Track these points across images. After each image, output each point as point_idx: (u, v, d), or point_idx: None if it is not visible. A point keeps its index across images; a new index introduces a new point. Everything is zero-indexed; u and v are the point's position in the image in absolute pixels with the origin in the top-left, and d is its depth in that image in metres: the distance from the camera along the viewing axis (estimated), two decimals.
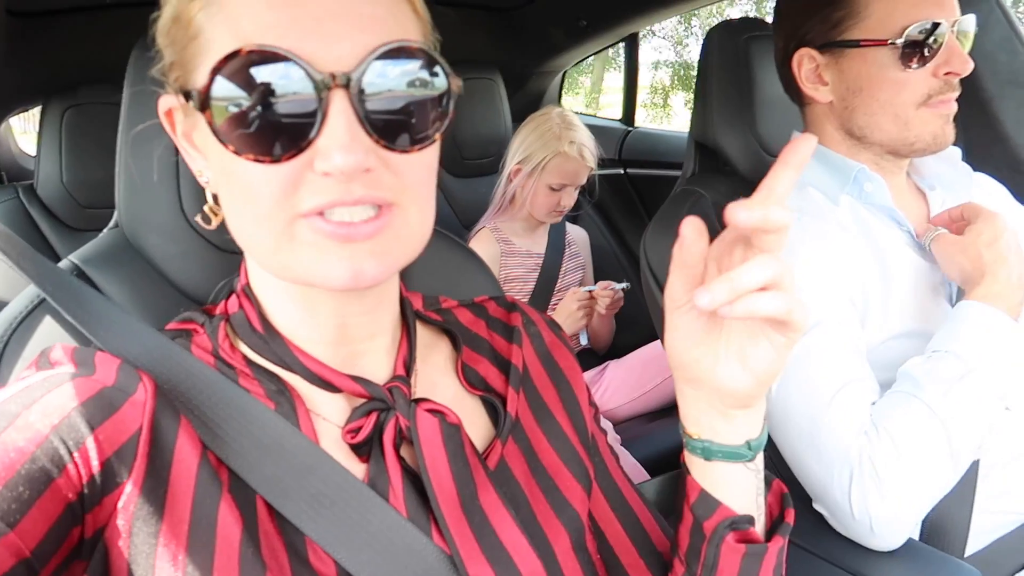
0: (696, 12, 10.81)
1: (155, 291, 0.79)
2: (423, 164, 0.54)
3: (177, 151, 0.73)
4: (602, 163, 2.61)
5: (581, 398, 0.74)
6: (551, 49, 2.66)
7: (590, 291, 1.99)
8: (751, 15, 1.40)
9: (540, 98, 2.88)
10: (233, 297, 0.64)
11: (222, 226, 0.60)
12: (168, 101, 0.58)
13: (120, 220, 0.80)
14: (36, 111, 2.08)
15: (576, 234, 2.27)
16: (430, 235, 0.58)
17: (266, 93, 0.48)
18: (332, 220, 0.50)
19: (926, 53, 1.01)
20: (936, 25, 1.00)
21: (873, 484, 0.91)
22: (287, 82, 0.48)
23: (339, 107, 0.49)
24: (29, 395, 0.50)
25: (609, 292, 1.98)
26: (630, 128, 2.67)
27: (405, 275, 0.89)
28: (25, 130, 4.37)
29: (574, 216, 2.56)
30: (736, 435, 0.62)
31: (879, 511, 0.91)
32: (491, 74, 2.54)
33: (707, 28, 1.44)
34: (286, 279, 0.56)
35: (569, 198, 2.04)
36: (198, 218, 0.65)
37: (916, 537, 1.00)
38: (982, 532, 1.05)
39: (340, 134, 0.48)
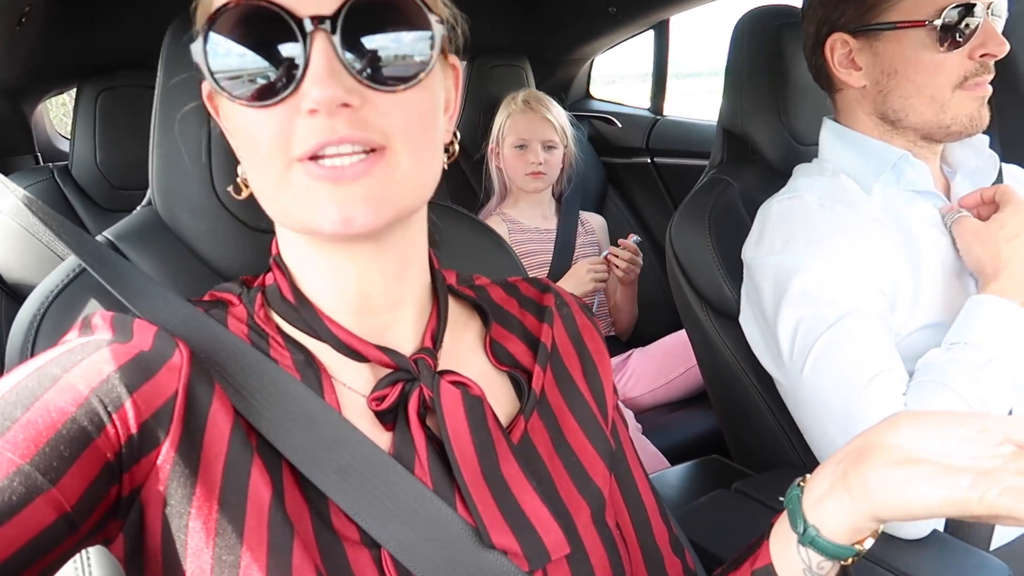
0: None
1: (186, 268, 0.80)
2: (414, 107, 0.56)
3: (210, 132, 0.75)
4: (629, 151, 2.62)
5: (606, 382, 0.74)
6: (580, 36, 2.64)
7: (605, 256, 2.02)
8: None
9: (568, 85, 2.86)
10: (270, 271, 0.66)
11: (252, 204, 0.61)
12: (209, 84, 0.60)
13: (153, 198, 0.82)
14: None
15: (592, 218, 2.30)
16: (429, 186, 0.60)
17: (255, 41, 0.53)
18: (324, 165, 0.52)
19: (962, 35, 1.00)
20: (972, 6, 0.99)
21: None
22: (272, 28, 0.52)
23: (319, 48, 0.51)
24: (70, 358, 0.51)
25: (629, 245, 1.99)
26: (658, 117, 2.65)
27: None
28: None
29: (599, 205, 2.56)
30: (851, 537, 0.56)
31: None
32: (520, 61, 2.54)
33: None
34: (287, 226, 0.59)
35: (535, 155, 2.08)
36: (229, 188, 0.68)
37: (941, 528, 0.99)
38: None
39: (319, 70, 0.51)
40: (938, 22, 0.99)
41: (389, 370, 0.61)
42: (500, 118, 2.15)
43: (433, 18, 0.55)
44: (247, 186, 0.63)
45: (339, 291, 0.61)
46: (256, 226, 0.78)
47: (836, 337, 0.97)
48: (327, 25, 0.51)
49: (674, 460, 1.70)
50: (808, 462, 1.16)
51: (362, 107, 0.53)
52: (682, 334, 1.99)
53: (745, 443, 1.33)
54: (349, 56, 0.52)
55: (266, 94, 0.52)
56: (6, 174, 2.08)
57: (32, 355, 0.71)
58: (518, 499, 0.60)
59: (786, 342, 1.03)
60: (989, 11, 1.00)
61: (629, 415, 1.85)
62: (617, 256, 1.98)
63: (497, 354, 0.70)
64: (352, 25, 0.52)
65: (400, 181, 0.55)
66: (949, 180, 1.16)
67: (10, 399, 0.47)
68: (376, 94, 0.53)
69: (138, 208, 0.85)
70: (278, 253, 0.65)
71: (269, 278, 0.65)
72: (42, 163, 2.38)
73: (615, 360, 2.13)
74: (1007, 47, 1.00)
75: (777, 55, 1.31)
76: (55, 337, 0.67)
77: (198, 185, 0.78)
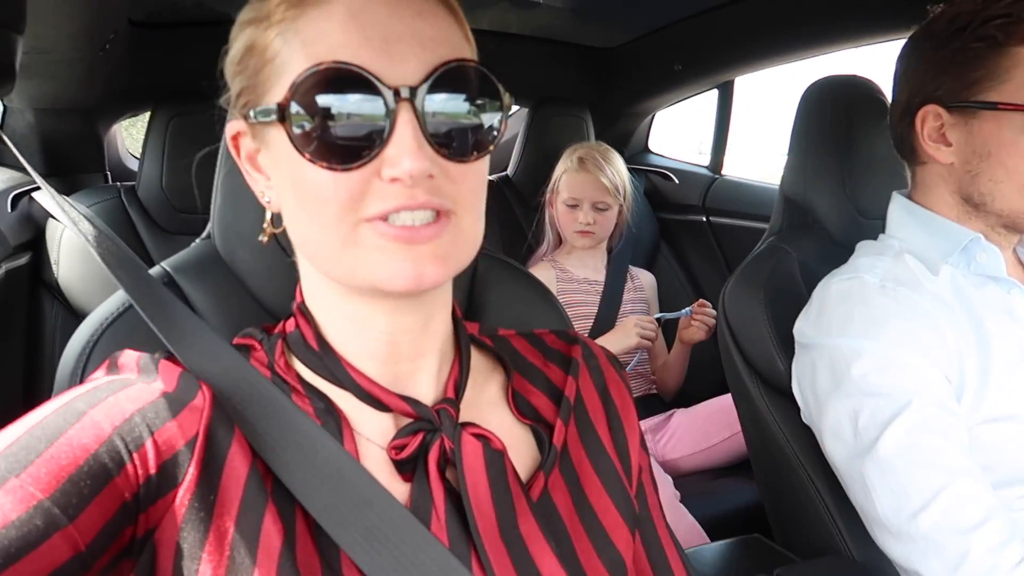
0: None
1: (239, 303, 0.81)
2: (477, 174, 0.59)
3: None
4: (684, 208, 2.61)
5: (631, 441, 0.72)
6: (643, 91, 2.66)
7: (659, 318, 2.03)
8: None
9: (628, 138, 2.87)
10: (291, 317, 0.66)
11: None
12: (236, 126, 0.63)
13: (213, 232, 0.83)
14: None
15: (642, 275, 2.29)
16: (480, 242, 0.61)
17: (340, 105, 0.53)
18: (395, 224, 0.54)
19: None
20: None
21: None
22: (360, 95, 0.53)
23: (405, 118, 0.53)
24: (95, 396, 0.52)
25: (708, 312, 1.98)
26: (717, 176, 2.63)
27: (479, 307, 0.90)
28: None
29: (651, 260, 2.54)
30: None
31: None
32: (581, 112, 2.55)
33: None
34: (351, 284, 0.58)
35: (585, 215, 2.09)
36: (262, 238, 0.69)
37: None
38: None
39: (408, 143, 0.53)
40: None
41: (410, 420, 0.61)
42: (558, 170, 2.17)
43: (504, 93, 0.58)
44: (273, 231, 0.66)
45: (367, 340, 0.62)
46: None
47: (903, 425, 0.93)
48: (412, 95, 0.53)
49: (712, 532, 1.65)
50: (856, 551, 1.10)
51: (438, 175, 0.55)
52: (728, 398, 1.94)
53: (789, 524, 1.28)
54: (431, 127, 0.54)
55: (348, 158, 0.53)
56: (77, 190, 2.16)
57: (82, 382, 0.72)
58: (535, 560, 0.58)
59: (847, 429, 0.99)
60: None
61: (667, 480, 1.80)
62: (704, 313, 1.98)
63: (519, 407, 0.69)
64: (435, 96, 0.54)
65: (463, 242, 0.58)
66: None
67: (35, 433, 0.48)
68: (450, 163, 0.55)
69: (197, 240, 0.86)
70: (302, 301, 0.65)
71: (290, 325, 0.66)
72: (111, 181, 2.46)
73: (656, 419, 2.09)
74: None
75: (845, 126, 1.29)
76: None
77: (257, 222, 0.79)
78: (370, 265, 0.55)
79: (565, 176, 2.12)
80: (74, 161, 2.29)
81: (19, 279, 1.87)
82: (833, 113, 1.31)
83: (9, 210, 1.86)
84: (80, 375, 0.73)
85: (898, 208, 1.14)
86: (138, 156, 2.30)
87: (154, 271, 0.81)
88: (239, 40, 0.60)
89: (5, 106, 2.08)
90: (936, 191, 1.09)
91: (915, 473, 0.93)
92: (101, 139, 2.43)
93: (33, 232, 1.94)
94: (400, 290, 0.55)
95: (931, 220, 1.08)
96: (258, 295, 0.81)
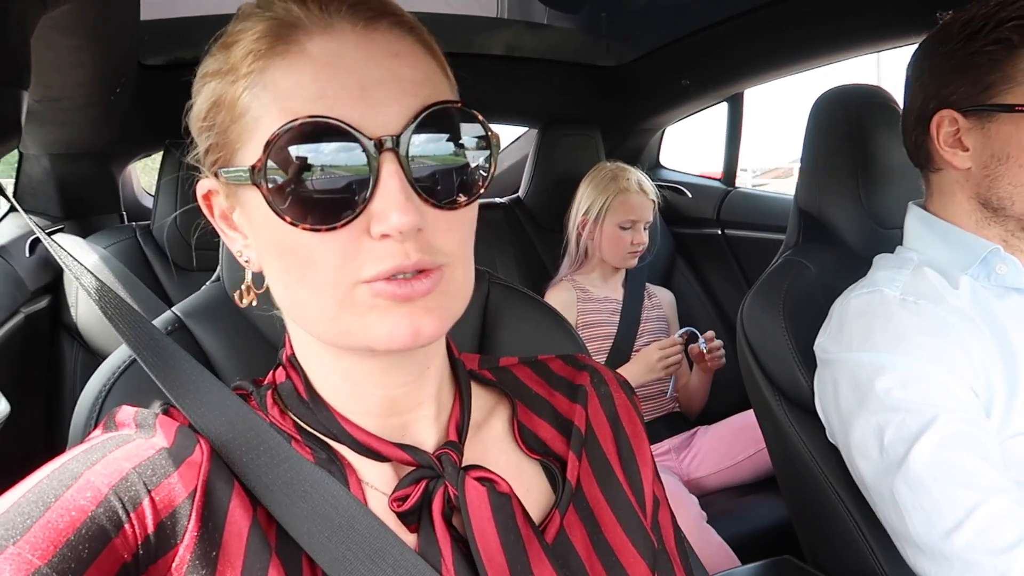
0: None
1: (250, 346, 0.81)
2: (468, 223, 0.56)
3: None
4: (699, 222, 2.59)
5: (644, 469, 0.70)
6: (653, 107, 2.65)
7: (683, 334, 2.00)
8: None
9: (639, 154, 2.86)
10: (280, 368, 0.64)
11: None
12: (206, 184, 0.60)
13: (223, 275, 0.83)
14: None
15: (660, 292, 2.28)
16: (472, 289, 0.59)
17: (320, 162, 0.50)
18: (393, 284, 0.51)
19: None
20: None
21: None
22: (339, 149, 0.50)
23: (390, 169, 0.50)
24: (91, 455, 0.51)
25: (715, 346, 1.99)
26: (730, 188, 2.61)
27: (492, 339, 0.89)
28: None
29: (667, 275, 2.53)
30: None
31: None
32: (590, 130, 2.55)
33: None
34: (344, 345, 0.56)
35: (640, 235, 2.10)
36: (236, 295, 0.66)
37: None
38: None
39: (395, 195, 0.50)
40: None
41: (412, 467, 0.59)
42: (602, 195, 2.12)
43: (491, 133, 0.55)
44: (249, 293, 0.64)
45: (362, 396, 0.60)
46: None
47: (931, 441, 0.91)
48: (394, 144, 0.50)
49: (740, 551, 1.61)
50: (891, 572, 1.07)
51: (426, 227, 0.52)
52: (750, 414, 1.91)
53: (821, 545, 1.24)
54: (417, 177, 0.51)
55: (332, 218, 0.51)
56: (94, 231, 2.19)
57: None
58: None
59: (873, 446, 0.97)
60: None
61: (692, 501, 1.77)
62: (712, 350, 1.99)
63: (527, 441, 0.67)
64: (419, 142, 0.51)
65: (456, 293, 0.56)
66: None
67: (31, 498, 0.47)
68: (438, 212, 0.53)
69: (207, 283, 0.86)
70: (292, 354, 0.63)
71: (280, 375, 0.64)
72: (127, 220, 2.49)
73: (679, 438, 2.06)
74: None
75: (857, 136, 1.28)
76: None
77: None
78: (366, 326, 0.53)
79: (619, 199, 2.10)
80: (90, 203, 2.32)
81: (39, 322, 1.88)
82: (845, 124, 1.30)
83: (28, 255, 1.88)
84: (94, 423, 0.73)
85: (914, 219, 1.12)
86: (152, 194, 2.33)
87: (165, 316, 0.81)
88: (203, 94, 0.57)
89: (21, 152, 2.11)
90: (953, 198, 1.07)
91: (947, 491, 0.90)
92: (116, 180, 2.46)
93: (52, 275, 1.95)
94: (398, 348, 0.53)
95: (948, 231, 1.07)
96: (269, 336, 0.81)
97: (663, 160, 2.98)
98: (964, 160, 1.03)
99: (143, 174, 2.92)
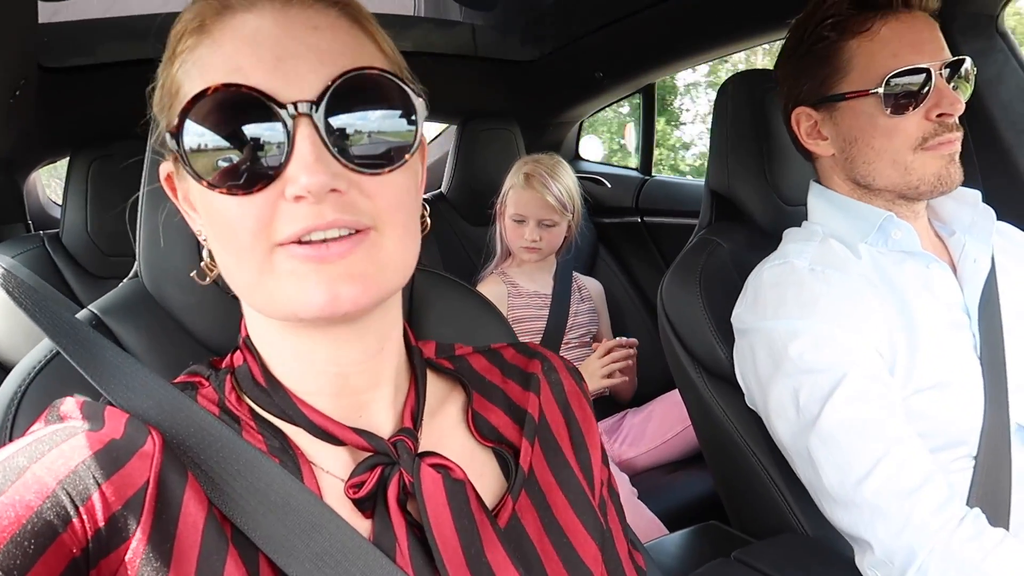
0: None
1: (173, 341, 0.79)
2: (399, 187, 0.56)
3: None
4: (619, 211, 2.65)
5: (594, 454, 0.72)
6: (568, 100, 2.69)
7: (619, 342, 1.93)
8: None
9: (557, 147, 2.90)
10: (237, 350, 0.64)
11: None
12: (167, 167, 0.61)
13: (140, 271, 0.81)
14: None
15: (589, 284, 2.29)
16: (412, 265, 0.59)
17: (235, 128, 0.52)
18: (308, 245, 0.52)
19: (913, 98, 1.02)
20: (919, 70, 1.02)
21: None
22: (254, 115, 0.51)
23: (304, 134, 0.51)
24: (37, 448, 0.50)
25: (624, 343, 1.92)
26: (647, 177, 2.68)
27: (419, 324, 0.90)
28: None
29: (591, 265, 2.57)
30: None
31: None
32: (509, 125, 2.57)
33: None
34: (272, 314, 0.56)
35: (532, 232, 2.05)
36: (193, 274, 0.66)
37: None
38: None
39: (306, 158, 0.51)
40: (882, 90, 1.03)
41: (367, 453, 0.59)
42: (506, 185, 2.12)
43: (415, 98, 0.56)
44: (211, 270, 0.63)
45: (315, 374, 0.60)
46: None
47: (841, 398, 0.97)
48: (311, 110, 0.51)
49: (671, 524, 1.67)
50: (808, 527, 1.13)
51: (348, 190, 0.52)
52: (676, 394, 1.97)
53: (744, 508, 1.30)
54: (334, 141, 0.52)
55: (248, 182, 0.52)
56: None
57: (11, 435, 0.69)
58: None
59: (790, 407, 1.03)
60: (942, 72, 1.02)
61: (624, 479, 1.82)
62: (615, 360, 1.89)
63: (480, 428, 0.68)
64: (336, 108, 0.52)
65: (384, 261, 0.55)
66: (945, 237, 1.17)
67: None
68: (362, 177, 0.53)
69: (124, 280, 0.84)
70: (247, 335, 0.63)
71: (238, 358, 0.64)
72: (33, 231, 2.38)
73: (609, 421, 2.11)
74: (962, 106, 1.03)
75: (762, 118, 1.33)
76: (36, 416, 0.65)
77: (184, 257, 0.78)
78: (286, 292, 0.53)
79: (512, 192, 2.08)
80: None
81: None
82: (749, 107, 1.35)
83: None
84: (10, 429, 0.70)
85: (815, 196, 1.20)
86: (59, 203, 2.23)
87: (81, 314, 0.79)
88: (158, 80, 0.59)
89: None
90: (834, 180, 1.17)
91: (856, 443, 0.96)
92: (20, 189, 2.35)
93: None
94: (317, 315, 0.52)
95: (845, 204, 1.14)
96: (192, 330, 0.80)
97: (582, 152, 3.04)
98: (827, 148, 1.14)
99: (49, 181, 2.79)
